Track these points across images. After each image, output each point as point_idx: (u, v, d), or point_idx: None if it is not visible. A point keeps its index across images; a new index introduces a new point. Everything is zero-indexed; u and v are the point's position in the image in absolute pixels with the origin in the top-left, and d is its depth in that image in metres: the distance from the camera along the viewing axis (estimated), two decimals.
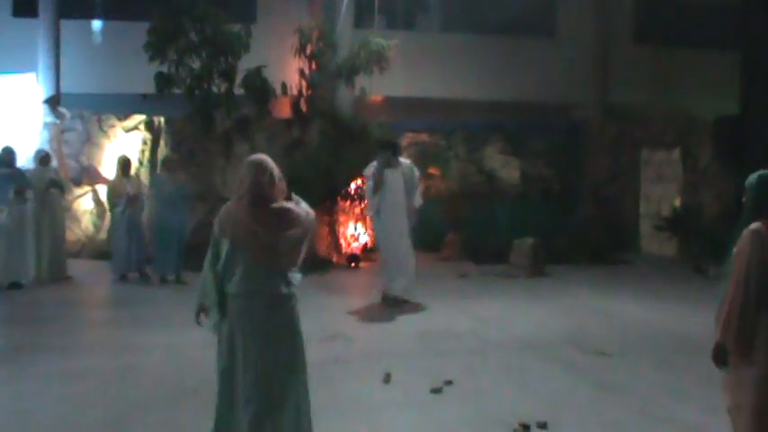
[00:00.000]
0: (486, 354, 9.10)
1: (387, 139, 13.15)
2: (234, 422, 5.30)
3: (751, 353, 4.93)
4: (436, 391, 7.46)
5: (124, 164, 14.45)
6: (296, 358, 5.31)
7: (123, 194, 14.08)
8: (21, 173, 13.64)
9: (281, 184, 5.36)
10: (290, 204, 5.30)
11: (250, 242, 5.18)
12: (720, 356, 5.10)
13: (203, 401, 6.95)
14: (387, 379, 7.81)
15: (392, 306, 11.82)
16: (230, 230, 5.22)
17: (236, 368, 5.26)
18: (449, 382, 7.69)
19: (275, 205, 5.23)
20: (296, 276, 5.32)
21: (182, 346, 9.07)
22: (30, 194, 13.50)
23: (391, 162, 11.89)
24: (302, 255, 5.33)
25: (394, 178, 11.87)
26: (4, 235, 13.19)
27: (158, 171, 15.02)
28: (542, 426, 6.46)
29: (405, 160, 12.30)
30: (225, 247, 5.21)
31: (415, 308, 11.81)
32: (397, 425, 6.53)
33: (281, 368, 5.23)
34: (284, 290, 5.23)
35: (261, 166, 5.28)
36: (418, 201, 11.99)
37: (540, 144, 19.43)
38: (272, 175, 5.27)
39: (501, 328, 10.60)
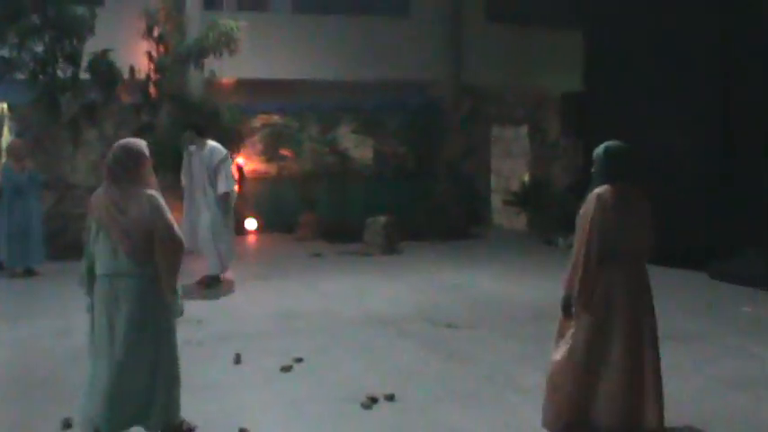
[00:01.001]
0: (337, 331, 9.23)
1: (193, 120, 13.09)
2: (97, 401, 5.33)
3: (590, 303, 5.49)
4: (286, 369, 7.54)
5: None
6: (160, 338, 5.39)
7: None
8: None
9: (148, 170, 5.44)
10: (151, 191, 5.35)
11: (110, 224, 5.28)
12: (567, 308, 5.63)
13: (54, 391, 6.94)
14: (237, 359, 7.85)
15: (209, 286, 11.96)
16: (96, 212, 5.35)
17: (101, 347, 5.34)
18: (299, 360, 7.78)
19: (134, 188, 5.30)
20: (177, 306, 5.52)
21: (30, 339, 8.92)
22: None
23: (195, 141, 11.96)
24: (166, 254, 5.33)
25: (194, 158, 12.02)
26: None
27: (3, 159, 14.48)
28: (390, 398, 6.61)
29: (212, 143, 12.08)
30: (93, 228, 5.37)
31: (231, 286, 12.05)
32: (247, 404, 6.58)
33: (144, 348, 5.32)
34: (143, 273, 5.29)
35: (124, 149, 5.39)
36: (222, 186, 11.84)
37: (394, 123, 19.61)
38: (137, 159, 5.36)
39: (353, 305, 10.75)
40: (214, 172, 11.82)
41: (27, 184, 13.20)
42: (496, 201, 19.67)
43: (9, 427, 6.08)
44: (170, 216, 5.35)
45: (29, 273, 13.16)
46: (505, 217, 19.17)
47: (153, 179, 5.47)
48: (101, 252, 5.35)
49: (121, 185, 5.32)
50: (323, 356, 8.04)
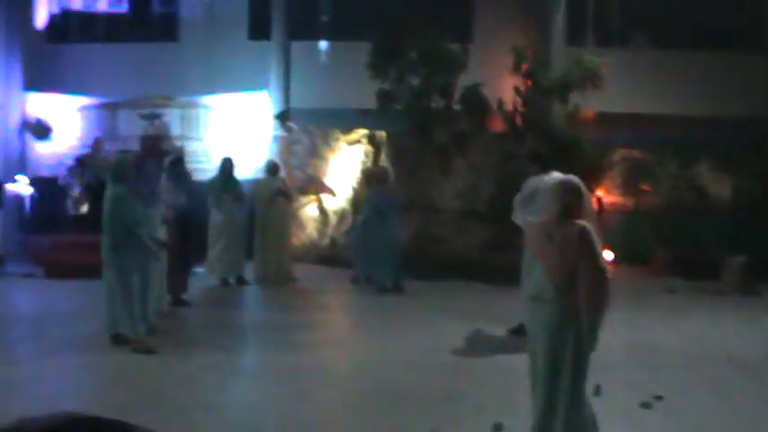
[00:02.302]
0: (694, 370, 9.20)
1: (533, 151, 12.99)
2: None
3: None
4: (646, 405, 7.64)
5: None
6: (565, 368, 5.69)
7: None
8: (237, 181, 14.71)
9: (583, 205, 5.81)
10: (585, 223, 5.67)
11: (538, 251, 5.89)
12: None
13: (422, 403, 7.63)
14: (597, 391, 7.85)
15: None
16: (529, 241, 6.05)
17: (533, 365, 5.94)
18: (659, 398, 7.81)
19: (569, 220, 5.68)
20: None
21: (401, 352, 9.72)
22: (247, 200, 14.72)
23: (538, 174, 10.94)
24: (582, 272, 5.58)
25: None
26: (221, 235, 14.31)
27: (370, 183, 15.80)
28: None
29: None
30: (526, 255, 6.08)
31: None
32: None
33: (553, 371, 5.72)
34: (563, 300, 5.64)
35: (563, 185, 5.90)
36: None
37: (751, 160, 19.13)
38: (573, 194, 5.78)
39: (710, 345, 10.63)
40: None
41: (387, 206, 14.38)
42: None
43: None
44: (598, 249, 5.57)
45: (397, 288, 14.13)
46: None
47: (590, 215, 5.80)
48: (532, 277, 5.92)
49: (556, 217, 5.74)
50: (682, 396, 8.06)
